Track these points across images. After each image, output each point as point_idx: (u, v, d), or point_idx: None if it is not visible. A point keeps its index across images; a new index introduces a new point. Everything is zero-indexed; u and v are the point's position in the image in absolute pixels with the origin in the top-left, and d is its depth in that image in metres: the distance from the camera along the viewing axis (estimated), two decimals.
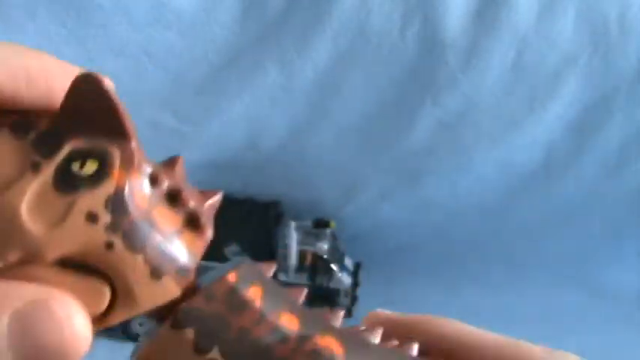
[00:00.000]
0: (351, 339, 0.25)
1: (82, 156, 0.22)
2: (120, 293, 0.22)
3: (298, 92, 1.18)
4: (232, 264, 0.25)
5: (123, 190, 0.22)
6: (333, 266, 1.15)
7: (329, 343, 0.24)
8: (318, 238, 1.16)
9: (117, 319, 0.22)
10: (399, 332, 0.28)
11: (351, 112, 1.22)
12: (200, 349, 0.23)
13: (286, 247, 1.14)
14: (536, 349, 0.26)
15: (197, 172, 1.34)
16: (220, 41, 1.12)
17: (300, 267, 1.15)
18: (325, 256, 1.15)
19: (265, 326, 0.23)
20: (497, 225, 1.36)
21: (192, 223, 0.24)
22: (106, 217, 0.22)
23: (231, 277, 0.24)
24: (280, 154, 1.24)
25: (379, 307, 0.30)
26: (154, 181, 0.23)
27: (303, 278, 1.15)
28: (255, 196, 1.25)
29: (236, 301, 0.23)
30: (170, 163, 0.24)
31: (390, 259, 1.33)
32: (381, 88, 1.20)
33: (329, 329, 0.24)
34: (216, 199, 0.25)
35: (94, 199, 0.22)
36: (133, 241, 0.22)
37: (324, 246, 1.15)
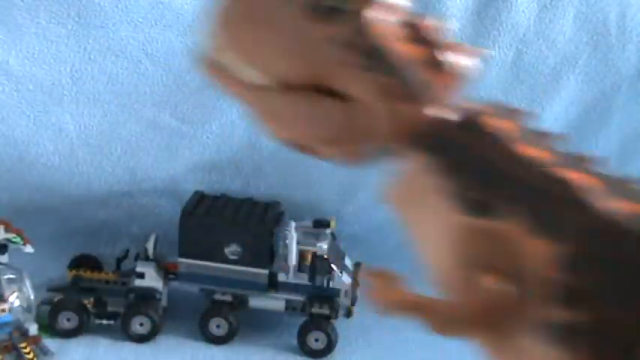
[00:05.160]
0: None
1: None
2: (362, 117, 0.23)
3: None
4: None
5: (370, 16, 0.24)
6: (333, 266, 1.15)
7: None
8: (318, 238, 1.16)
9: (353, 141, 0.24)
10: None
11: None
12: None
13: (286, 247, 1.14)
14: None
15: (197, 172, 1.35)
16: None
17: (300, 267, 1.15)
18: (325, 256, 1.15)
19: None
20: None
21: (434, 63, 0.25)
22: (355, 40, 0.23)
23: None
24: (280, 154, 1.24)
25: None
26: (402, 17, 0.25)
27: (303, 278, 1.14)
28: (255, 196, 1.25)
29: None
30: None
31: (390, 259, 1.33)
32: None
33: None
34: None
35: (344, 25, 0.23)
36: (375, 63, 0.23)
37: (324, 246, 1.15)
